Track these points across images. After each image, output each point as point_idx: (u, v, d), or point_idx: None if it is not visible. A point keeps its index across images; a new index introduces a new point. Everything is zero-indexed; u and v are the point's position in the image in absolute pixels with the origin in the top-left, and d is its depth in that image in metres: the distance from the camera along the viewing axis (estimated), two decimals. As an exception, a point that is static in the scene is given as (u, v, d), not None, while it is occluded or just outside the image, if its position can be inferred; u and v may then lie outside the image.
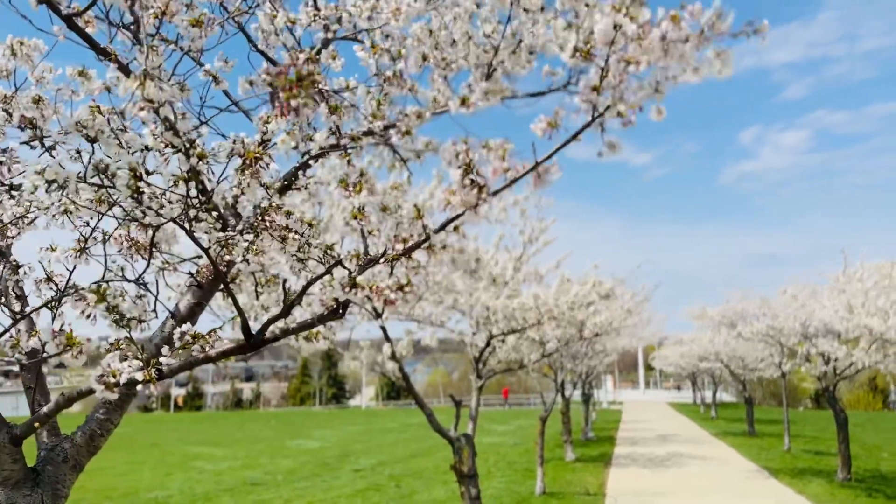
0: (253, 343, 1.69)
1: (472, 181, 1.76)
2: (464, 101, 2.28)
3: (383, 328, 6.79)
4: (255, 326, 1.80)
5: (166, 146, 1.33)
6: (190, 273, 2.20)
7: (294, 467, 16.42)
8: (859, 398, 46.77)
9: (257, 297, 2.36)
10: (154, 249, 2.42)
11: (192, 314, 2.29)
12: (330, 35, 2.64)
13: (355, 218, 1.92)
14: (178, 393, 66.89)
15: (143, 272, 1.71)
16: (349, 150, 2.17)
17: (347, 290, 1.64)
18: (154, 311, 2.49)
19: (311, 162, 2.69)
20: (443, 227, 1.81)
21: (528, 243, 6.85)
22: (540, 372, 13.56)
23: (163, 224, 1.44)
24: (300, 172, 2.65)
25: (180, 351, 1.81)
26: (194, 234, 1.42)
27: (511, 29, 2.55)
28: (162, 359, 1.83)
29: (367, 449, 20.43)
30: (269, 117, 1.44)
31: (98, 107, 1.33)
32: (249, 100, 2.77)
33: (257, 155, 1.31)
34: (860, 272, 9.62)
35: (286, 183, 2.62)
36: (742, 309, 13.64)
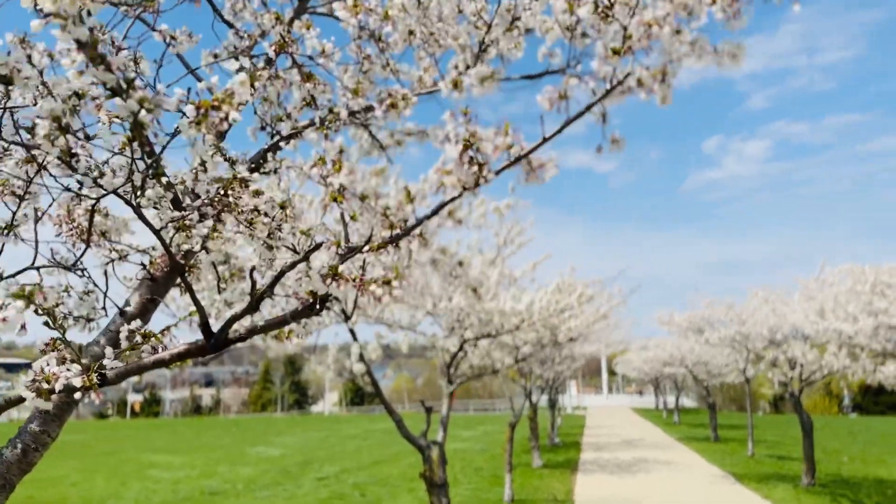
0: (214, 343, 1.44)
1: (472, 158, 1.53)
2: (456, 85, 2.03)
3: (352, 331, 6.52)
4: (217, 325, 1.54)
5: (104, 102, 1.07)
6: (142, 264, 1.93)
7: (254, 475, 15.96)
8: (815, 403, 47.77)
9: (219, 292, 2.09)
10: (103, 238, 2.15)
11: (145, 311, 2.02)
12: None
13: (335, 200, 1.68)
14: (134, 399, 65.22)
15: (80, 256, 1.45)
16: (327, 126, 1.93)
17: (328, 281, 1.39)
18: (104, 308, 2.20)
19: (282, 144, 2.44)
20: (436, 212, 1.58)
21: (503, 245, 6.65)
22: (507, 377, 13.38)
23: (103, 196, 1.18)
24: (269, 155, 2.39)
25: (127, 353, 1.54)
26: (142, 210, 1.17)
27: (505, 5, 2.33)
28: (106, 362, 1.56)
29: (331, 456, 20.01)
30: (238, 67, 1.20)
31: (23, 38, 1.06)
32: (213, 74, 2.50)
33: (214, 105, 1.05)
34: (832, 277, 9.66)
35: (254, 166, 2.36)
36: (709, 315, 13.67)
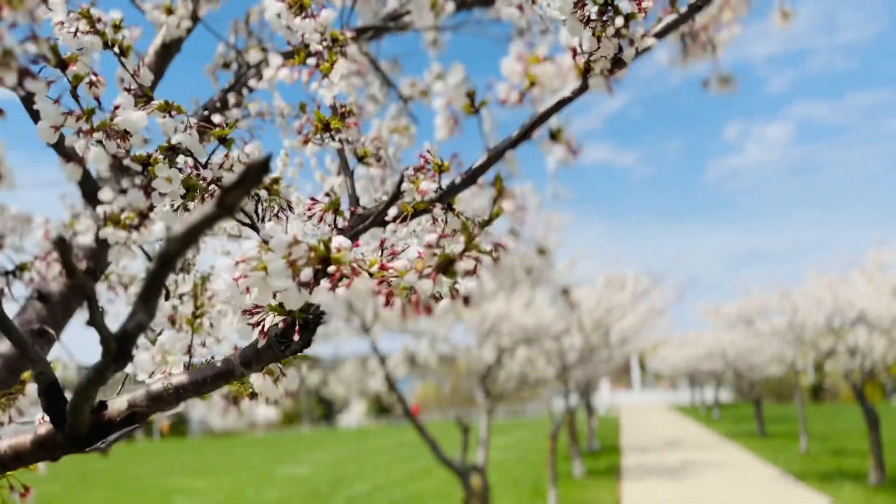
0: (74, 435, 0.64)
1: (608, 3, 0.73)
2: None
3: (374, 346, 5.72)
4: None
5: None
6: (15, 272, 1.15)
7: (283, 498, 15.18)
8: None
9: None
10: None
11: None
12: None
13: (326, 129, 0.88)
14: (161, 422, 64.93)
15: None
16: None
17: (312, 274, 0.59)
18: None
19: (251, 83, 1.64)
20: (538, 123, 0.77)
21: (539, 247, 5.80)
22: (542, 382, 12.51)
23: None
24: (232, 96, 1.59)
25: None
26: None
27: None
28: None
29: (361, 472, 19.21)
30: None
31: None
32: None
33: None
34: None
35: (207, 113, 1.57)
36: (760, 304, 12.69)
